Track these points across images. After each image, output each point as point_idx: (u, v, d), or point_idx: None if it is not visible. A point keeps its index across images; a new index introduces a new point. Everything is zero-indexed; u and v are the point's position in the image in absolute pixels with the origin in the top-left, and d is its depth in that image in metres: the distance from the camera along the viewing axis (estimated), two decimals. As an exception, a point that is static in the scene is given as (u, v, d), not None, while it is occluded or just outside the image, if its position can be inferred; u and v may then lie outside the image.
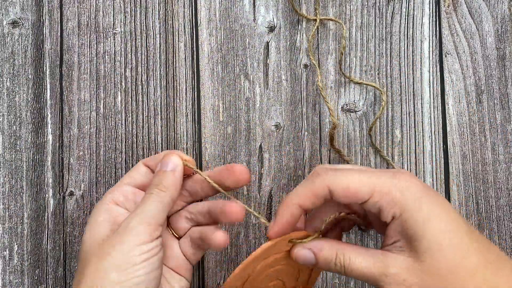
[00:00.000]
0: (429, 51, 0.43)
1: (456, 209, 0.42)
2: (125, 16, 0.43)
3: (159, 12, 0.43)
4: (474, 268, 0.29)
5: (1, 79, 0.42)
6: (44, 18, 0.43)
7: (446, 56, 0.43)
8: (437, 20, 0.43)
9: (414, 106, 0.43)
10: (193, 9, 0.43)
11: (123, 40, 0.43)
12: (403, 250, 0.30)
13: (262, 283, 0.35)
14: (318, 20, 0.42)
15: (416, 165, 0.42)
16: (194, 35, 0.43)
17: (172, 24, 0.43)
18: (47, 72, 0.43)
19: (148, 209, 0.33)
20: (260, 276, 0.35)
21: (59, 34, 0.43)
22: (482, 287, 0.29)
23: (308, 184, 0.32)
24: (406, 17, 0.43)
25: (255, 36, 0.43)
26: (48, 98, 0.42)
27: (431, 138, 0.42)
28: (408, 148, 0.42)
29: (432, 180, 0.42)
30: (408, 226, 0.30)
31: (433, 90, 0.43)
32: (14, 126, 0.42)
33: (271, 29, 0.43)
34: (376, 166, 0.42)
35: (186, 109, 0.43)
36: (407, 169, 0.42)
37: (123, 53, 0.43)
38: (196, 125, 0.43)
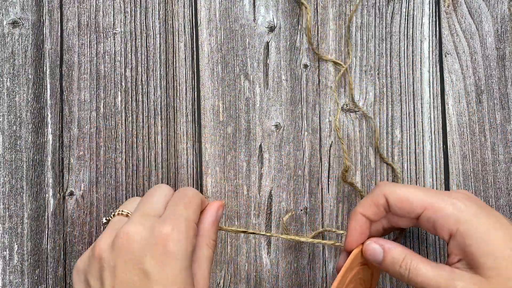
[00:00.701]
0: (429, 51, 0.43)
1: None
2: (125, 16, 0.43)
3: (159, 12, 0.43)
4: None
5: (1, 79, 0.42)
6: (44, 18, 0.43)
7: (446, 56, 0.43)
8: (437, 20, 0.43)
9: (414, 106, 0.43)
10: (193, 9, 0.43)
11: (123, 40, 0.43)
12: (468, 267, 0.30)
13: None
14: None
15: (416, 165, 0.42)
16: (194, 35, 0.43)
17: (172, 24, 0.43)
18: (47, 72, 0.43)
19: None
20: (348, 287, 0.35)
21: (59, 34, 0.43)
22: None
23: (369, 194, 0.35)
24: (406, 17, 0.43)
25: (255, 36, 0.43)
26: (48, 98, 0.42)
27: (431, 138, 0.42)
28: (408, 148, 0.42)
29: (432, 180, 0.42)
30: (468, 243, 0.30)
31: (433, 90, 0.43)
32: (14, 126, 0.42)
33: (271, 29, 0.43)
34: (376, 166, 0.42)
35: (186, 109, 0.43)
36: (407, 169, 0.42)
37: (123, 53, 0.43)
38: (196, 125, 0.43)
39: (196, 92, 0.43)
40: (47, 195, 0.42)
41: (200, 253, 0.34)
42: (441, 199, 0.32)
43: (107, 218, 0.36)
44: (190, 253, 0.31)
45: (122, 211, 0.35)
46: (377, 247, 0.34)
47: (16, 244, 0.41)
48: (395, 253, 0.33)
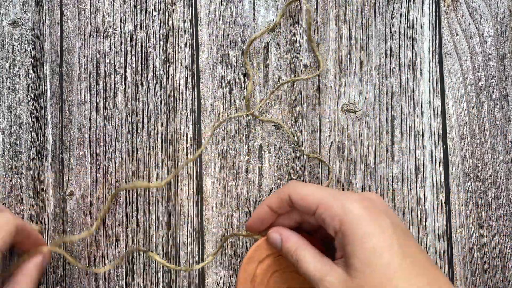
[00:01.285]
0: (429, 51, 0.43)
1: (456, 209, 0.42)
2: (125, 16, 0.43)
3: (159, 12, 0.43)
4: (404, 277, 0.31)
5: (1, 79, 0.42)
6: (44, 18, 0.43)
7: (446, 56, 0.43)
8: (437, 20, 0.43)
9: (414, 106, 0.43)
10: (193, 9, 0.43)
11: (123, 40, 0.43)
12: (343, 265, 0.33)
13: None
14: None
15: (416, 165, 0.42)
16: (194, 35, 0.43)
17: (172, 24, 0.43)
18: (47, 72, 0.43)
19: None
20: (268, 280, 0.38)
21: (59, 34, 0.43)
22: None
23: (277, 190, 0.38)
24: (406, 17, 0.43)
25: (255, 36, 0.43)
26: (48, 98, 0.42)
27: (431, 138, 0.42)
28: (408, 148, 0.42)
29: (432, 180, 0.42)
30: (345, 243, 0.32)
31: (433, 90, 0.43)
32: (14, 126, 0.42)
33: (271, 29, 0.43)
34: (376, 166, 0.42)
35: (186, 109, 0.43)
36: (407, 169, 0.42)
37: (123, 53, 0.43)
38: (196, 125, 0.43)
39: (196, 92, 0.43)
40: (47, 195, 0.42)
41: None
42: (333, 199, 0.34)
43: None
44: None
45: None
46: (277, 236, 0.37)
47: (16, 244, 0.41)
48: (289, 243, 0.36)
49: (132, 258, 0.41)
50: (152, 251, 0.40)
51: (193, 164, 0.42)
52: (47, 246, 0.39)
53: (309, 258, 0.34)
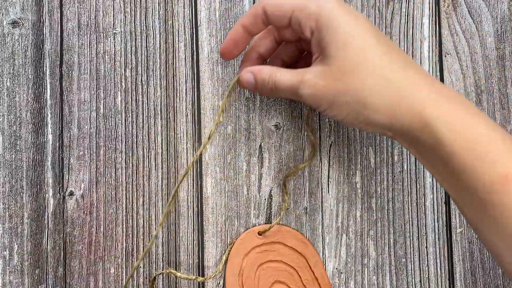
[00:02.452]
0: (429, 51, 0.43)
1: (456, 209, 0.42)
2: (125, 16, 0.43)
3: (159, 12, 0.43)
4: (375, 67, 0.31)
5: (1, 79, 0.42)
6: (44, 18, 0.43)
7: (446, 56, 0.43)
8: (437, 20, 0.43)
9: (414, 106, 0.43)
10: (193, 9, 0.43)
11: (123, 40, 0.43)
12: (319, 61, 0.33)
13: (263, 282, 0.40)
14: None
15: (416, 165, 0.43)
16: (194, 35, 0.43)
17: (172, 24, 0.43)
18: (47, 72, 0.43)
19: None
20: (255, 273, 0.39)
21: (59, 34, 0.43)
22: (380, 83, 0.31)
23: (250, 8, 0.37)
24: (406, 17, 0.43)
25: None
26: (48, 98, 0.42)
27: (431, 138, 0.42)
28: (408, 148, 0.42)
29: (432, 180, 0.42)
30: (323, 35, 0.32)
31: (433, 90, 0.43)
32: (14, 126, 0.42)
33: (271, 29, 0.43)
34: (376, 165, 0.42)
35: (186, 109, 0.43)
36: (407, 169, 0.42)
37: (123, 53, 0.43)
38: (196, 125, 0.43)
39: (196, 92, 0.43)
40: (47, 195, 0.42)
41: None
42: (308, 1, 0.33)
43: None
44: None
45: None
46: (249, 74, 0.37)
47: (16, 244, 0.41)
48: (263, 74, 0.36)
49: (132, 258, 0.41)
50: (171, 270, 0.39)
51: (193, 164, 0.42)
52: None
53: (285, 73, 0.35)
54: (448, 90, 0.33)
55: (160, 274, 0.40)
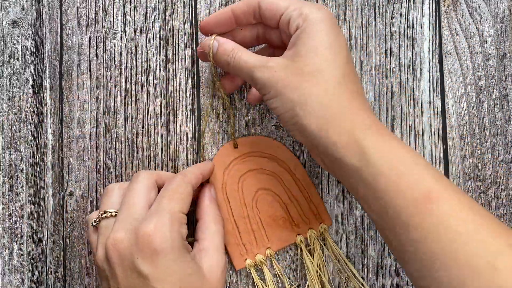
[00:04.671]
0: (429, 51, 0.43)
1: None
2: (125, 16, 0.43)
3: (159, 12, 0.43)
4: (329, 82, 0.33)
5: (1, 79, 0.42)
6: (44, 18, 0.43)
7: (446, 56, 0.43)
8: (437, 20, 0.43)
9: (414, 106, 0.43)
10: (193, 9, 0.43)
11: (123, 40, 0.43)
12: (288, 56, 0.34)
13: (247, 192, 0.41)
14: None
15: (416, 165, 0.42)
16: (194, 35, 0.43)
17: (172, 24, 0.43)
18: (47, 72, 0.43)
19: None
20: (238, 185, 0.41)
21: (59, 34, 0.43)
22: (326, 96, 0.33)
23: None
24: (406, 17, 0.43)
25: (255, 36, 0.43)
26: (48, 98, 0.42)
27: (431, 138, 0.42)
28: (408, 148, 0.42)
29: (432, 180, 0.42)
30: (302, 36, 0.34)
31: (433, 90, 0.43)
32: (14, 126, 0.42)
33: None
34: (376, 166, 0.42)
35: (186, 109, 0.43)
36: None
37: (123, 53, 0.43)
38: (196, 125, 0.43)
39: (196, 92, 0.43)
40: (47, 195, 0.42)
41: (208, 231, 0.37)
42: (303, 4, 0.35)
43: (95, 222, 0.36)
44: (178, 244, 0.33)
45: (106, 212, 0.36)
46: (214, 42, 0.37)
47: (16, 244, 0.41)
48: (226, 46, 0.36)
49: (132, 258, 0.41)
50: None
51: (193, 164, 0.42)
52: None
53: (249, 55, 0.35)
54: (385, 128, 0.34)
55: None
